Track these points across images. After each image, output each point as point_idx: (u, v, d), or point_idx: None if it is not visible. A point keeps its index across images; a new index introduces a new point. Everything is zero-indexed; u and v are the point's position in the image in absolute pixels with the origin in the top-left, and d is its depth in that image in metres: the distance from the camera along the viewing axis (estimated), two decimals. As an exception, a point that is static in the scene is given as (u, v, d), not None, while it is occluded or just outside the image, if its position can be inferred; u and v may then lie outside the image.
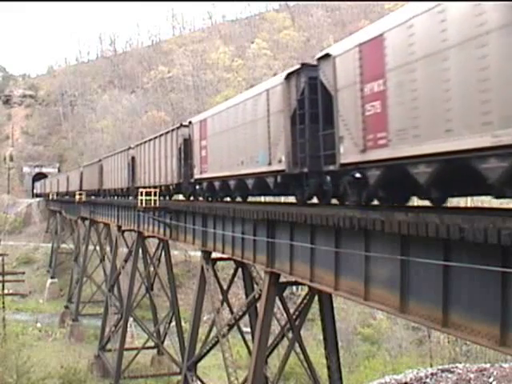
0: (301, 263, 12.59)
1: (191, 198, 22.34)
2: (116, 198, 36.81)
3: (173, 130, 23.33)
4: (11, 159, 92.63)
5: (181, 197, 25.91)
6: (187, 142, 20.94)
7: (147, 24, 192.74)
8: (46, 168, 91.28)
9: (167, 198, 25.69)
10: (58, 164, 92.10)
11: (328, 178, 11.43)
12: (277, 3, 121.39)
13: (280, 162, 12.64)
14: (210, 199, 19.75)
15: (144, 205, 23.69)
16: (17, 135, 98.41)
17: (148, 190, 24.54)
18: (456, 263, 7.78)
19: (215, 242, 18.25)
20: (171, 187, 23.60)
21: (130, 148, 31.78)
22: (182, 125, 22.11)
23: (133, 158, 30.74)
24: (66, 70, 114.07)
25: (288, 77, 12.59)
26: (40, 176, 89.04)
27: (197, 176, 19.73)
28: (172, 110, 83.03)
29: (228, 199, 19.23)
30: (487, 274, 7.23)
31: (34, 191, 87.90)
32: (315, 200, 13.04)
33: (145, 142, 28.64)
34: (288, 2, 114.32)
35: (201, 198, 21.14)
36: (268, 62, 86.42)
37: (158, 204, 23.50)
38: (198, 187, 20.65)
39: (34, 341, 43.02)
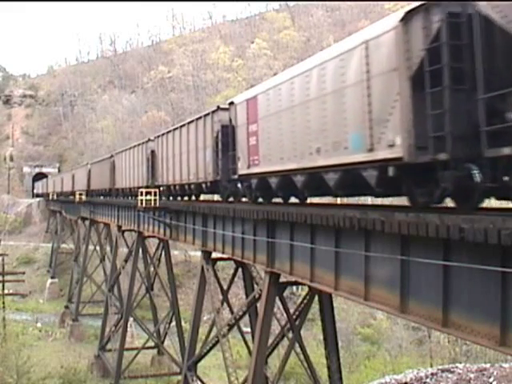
0: (301, 263, 12.59)
1: (230, 199, 18.07)
2: (132, 198, 30.66)
3: (206, 115, 18.86)
4: (11, 159, 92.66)
5: (216, 197, 22.06)
6: (227, 129, 16.65)
7: (147, 24, 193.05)
8: (46, 168, 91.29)
9: (192, 197, 22.83)
10: (58, 164, 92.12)
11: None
12: (277, 3, 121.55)
13: (392, 146, 8.69)
14: (261, 201, 15.57)
15: (144, 205, 23.70)
16: (17, 135, 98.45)
17: (148, 189, 24.55)
18: (456, 263, 7.78)
19: (215, 241, 18.26)
20: (204, 186, 19.24)
21: (149, 140, 27.63)
22: (219, 108, 17.98)
23: (152, 152, 26.62)
24: (66, 69, 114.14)
25: (408, 17, 8.43)
26: (40, 176, 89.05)
27: (242, 171, 15.21)
28: (172, 109, 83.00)
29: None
30: (487, 274, 7.24)
31: (35, 191, 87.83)
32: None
33: (168, 131, 24.14)
34: (288, 2, 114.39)
35: (244, 199, 16.95)
36: (268, 62, 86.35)
37: (158, 204, 23.51)
38: (242, 185, 16.29)
39: (34, 341, 43.05)
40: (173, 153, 22.84)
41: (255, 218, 14.02)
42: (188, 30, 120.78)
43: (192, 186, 20.62)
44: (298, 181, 12.08)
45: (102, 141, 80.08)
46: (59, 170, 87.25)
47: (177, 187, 22.87)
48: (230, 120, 16.35)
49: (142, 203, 23.78)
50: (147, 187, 26.19)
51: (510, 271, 6.98)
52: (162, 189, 24.99)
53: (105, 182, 39.06)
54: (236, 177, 15.85)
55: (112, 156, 37.79)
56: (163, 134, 24.90)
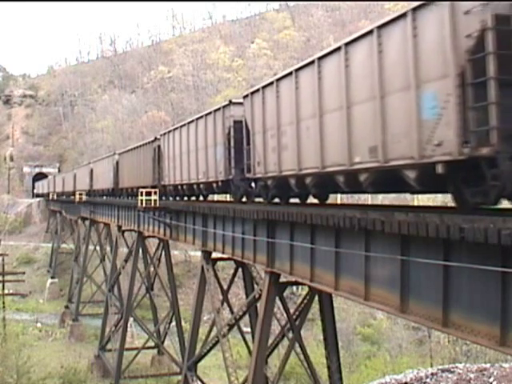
0: (301, 263, 12.59)
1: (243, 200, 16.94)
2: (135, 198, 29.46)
3: (217, 111, 17.69)
4: (11, 159, 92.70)
5: (228, 197, 20.95)
6: (240, 125, 15.81)
7: (147, 24, 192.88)
8: (46, 168, 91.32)
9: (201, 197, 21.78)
10: (58, 164, 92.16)
11: None
12: (277, 3, 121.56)
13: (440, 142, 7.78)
14: (277, 201, 14.52)
15: (144, 205, 23.71)
16: (17, 135, 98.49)
17: (148, 189, 24.54)
18: (456, 263, 7.79)
19: (215, 241, 18.26)
20: (215, 185, 18.16)
21: (155, 139, 26.26)
22: (231, 102, 16.83)
23: (159, 151, 25.29)
24: (66, 69, 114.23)
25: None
26: (40, 176, 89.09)
27: (258, 170, 14.14)
28: (172, 110, 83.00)
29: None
30: (487, 274, 7.24)
31: (35, 191, 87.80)
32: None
33: (175, 128, 22.73)
34: (288, 2, 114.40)
35: (258, 199, 15.94)
36: (268, 62, 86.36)
37: (158, 204, 23.51)
38: (256, 184, 15.10)
39: (34, 341, 43.04)
40: (180, 151, 21.44)
41: (255, 217, 14.02)
42: (188, 30, 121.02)
43: (201, 186, 19.45)
44: (338, 179, 10.73)
45: (102, 141, 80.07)
46: (59, 170, 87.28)
47: (184, 187, 21.53)
48: (246, 112, 15.11)
49: (142, 203, 23.79)
50: (153, 187, 25.29)
51: (510, 271, 6.98)
52: (168, 189, 23.73)
53: (108, 181, 37.53)
54: (251, 175, 14.82)
55: (115, 154, 36.41)
56: (170, 132, 23.38)
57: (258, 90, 14.19)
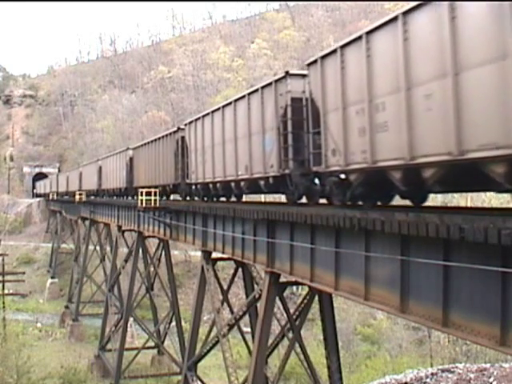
0: (301, 263, 12.59)
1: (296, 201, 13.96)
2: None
3: (266, 87, 14.00)
4: (11, 159, 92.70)
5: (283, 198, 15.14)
6: (300, 104, 12.59)
7: (147, 24, 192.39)
8: (46, 168, 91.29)
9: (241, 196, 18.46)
10: (58, 164, 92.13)
11: None
12: (277, 3, 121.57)
13: None
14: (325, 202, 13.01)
15: (144, 205, 23.71)
16: (17, 135, 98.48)
17: (148, 189, 24.51)
18: (456, 263, 7.79)
19: (215, 241, 18.27)
20: (262, 183, 14.36)
21: (178, 129, 22.90)
22: (288, 74, 12.95)
23: (182, 143, 21.97)
24: (66, 69, 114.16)
25: None
26: (40, 176, 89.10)
27: (334, 161, 10.70)
28: (172, 109, 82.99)
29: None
30: (487, 274, 7.24)
31: (36, 191, 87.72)
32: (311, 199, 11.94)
33: (205, 114, 18.73)
34: (288, 2, 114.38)
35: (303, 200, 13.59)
36: (268, 62, 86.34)
37: (158, 204, 23.51)
38: (324, 181, 11.71)
39: (34, 341, 43.03)
40: (212, 142, 17.68)
41: (255, 217, 14.03)
42: (188, 30, 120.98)
43: (242, 184, 15.72)
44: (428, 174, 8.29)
45: (102, 141, 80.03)
46: (59, 170, 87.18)
47: (218, 186, 17.70)
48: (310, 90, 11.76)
49: (142, 203, 23.80)
50: (174, 186, 22.66)
51: (510, 271, 6.98)
52: (196, 188, 20.39)
53: (120, 180, 33.83)
54: (321, 168, 11.22)
55: (128, 149, 32.62)
56: (198, 119, 19.48)
57: (333, 52, 10.54)
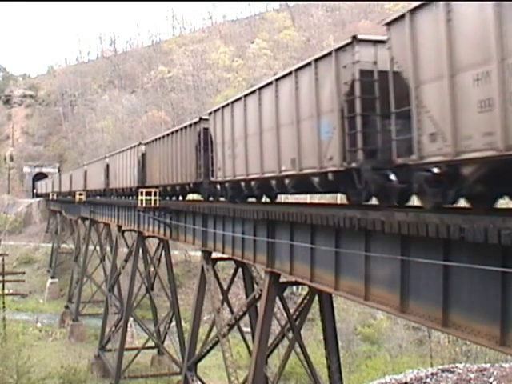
0: (301, 263, 12.59)
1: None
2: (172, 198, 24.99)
3: (320, 59, 11.19)
4: (11, 159, 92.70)
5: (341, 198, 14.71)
6: (370, 76, 10.10)
7: (147, 24, 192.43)
8: (46, 168, 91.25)
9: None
10: (58, 164, 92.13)
11: None
12: (277, 3, 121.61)
13: None
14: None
15: (144, 205, 23.71)
16: (17, 135, 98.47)
17: (148, 189, 24.50)
18: (456, 263, 7.79)
19: (215, 241, 18.26)
20: (317, 180, 11.56)
21: (200, 120, 20.08)
22: (356, 39, 10.21)
23: (205, 135, 19.21)
24: (66, 69, 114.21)
25: None
26: (40, 176, 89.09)
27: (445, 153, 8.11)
28: (172, 109, 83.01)
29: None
30: (487, 274, 7.24)
31: (37, 191, 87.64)
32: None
33: (235, 100, 15.89)
34: (288, 2, 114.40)
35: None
36: (268, 62, 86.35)
37: (158, 204, 23.51)
38: (413, 176, 8.95)
39: (34, 341, 43.00)
40: (244, 132, 15.06)
41: (255, 218, 14.03)
42: (188, 30, 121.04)
43: (287, 182, 12.85)
44: None
45: (102, 141, 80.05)
46: (59, 170, 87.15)
47: (253, 184, 14.99)
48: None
49: (142, 203, 23.79)
50: (195, 185, 20.15)
51: (510, 271, 6.98)
52: (225, 186, 17.43)
53: (130, 179, 30.81)
54: (412, 161, 8.58)
55: (141, 145, 29.52)
56: (225, 106, 16.70)
57: (431, 1, 7.96)
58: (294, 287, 34.95)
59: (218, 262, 20.42)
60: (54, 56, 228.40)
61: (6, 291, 37.88)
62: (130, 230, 32.23)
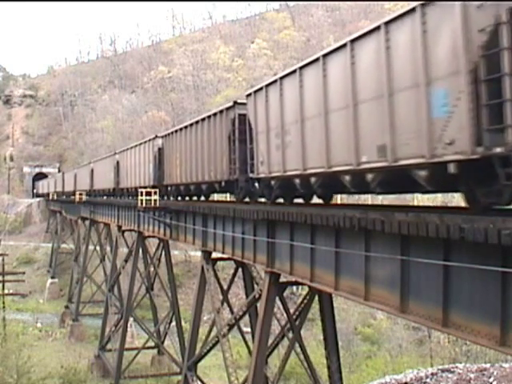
0: (301, 263, 12.59)
1: None
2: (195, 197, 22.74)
3: (426, 4, 8.00)
4: (11, 159, 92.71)
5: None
6: None
7: (147, 24, 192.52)
8: (46, 168, 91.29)
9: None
10: (58, 164, 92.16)
11: None
12: (277, 3, 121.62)
13: None
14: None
15: (144, 205, 23.70)
16: (17, 135, 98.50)
17: (148, 190, 24.46)
18: (456, 263, 7.78)
19: (215, 241, 18.26)
20: (424, 174, 8.48)
21: (235, 104, 16.78)
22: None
23: (241, 123, 16.12)
24: (66, 69, 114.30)
25: None
26: (40, 176, 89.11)
27: None
28: (172, 110, 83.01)
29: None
30: (487, 274, 7.24)
31: (37, 191, 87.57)
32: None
33: (283, 76, 12.77)
34: (288, 2, 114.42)
35: None
36: (268, 62, 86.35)
37: (158, 204, 23.50)
38: None
39: (34, 341, 43.00)
40: (299, 116, 11.76)
41: (255, 218, 14.01)
42: (188, 30, 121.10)
43: (369, 177, 9.68)
44: None
45: (102, 141, 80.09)
46: (59, 170, 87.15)
47: (313, 180, 11.83)
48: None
49: (142, 203, 23.79)
50: (228, 183, 16.92)
51: (510, 271, 6.97)
52: (271, 184, 14.09)
53: (144, 177, 27.77)
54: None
55: (158, 138, 26.43)
56: (271, 84, 13.45)
57: None
58: (294, 287, 34.96)
59: (218, 262, 20.42)
60: (54, 56, 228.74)
61: (6, 291, 37.87)
62: (130, 230, 32.23)
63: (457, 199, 34.66)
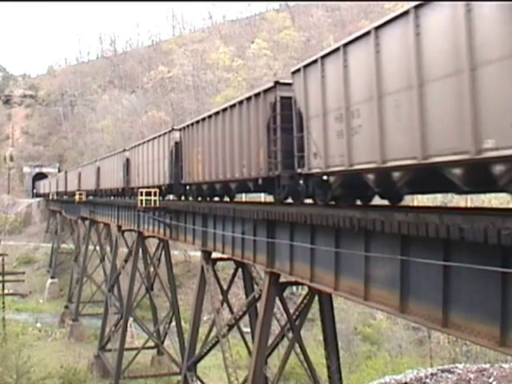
0: (301, 263, 12.58)
1: None
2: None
3: None
4: (11, 159, 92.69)
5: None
6: None
7: (147, 24, 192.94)
8: (46, 168, 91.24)
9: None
10: (58, 164, 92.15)
11: None
12: (277, 3, 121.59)
13: None
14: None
15: (144, 205, 23.68)
16: (17, 135, 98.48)
17: (148, 189, 24.43)
18: (456, 263, 7.78)
19: (215, 242, 18.25)
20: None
21: (276, 84, 13.63)
22: None
23: (285, 107, 13.23)
24: (66, 69, 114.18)
25: None
26: (40, 176, 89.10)
27: None
28: (172, 110, 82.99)
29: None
30: (487, 274, 7.23)
31: (37, 191, 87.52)
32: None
33: (347, 43, 10.09)
34: (288, 2, 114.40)
35: None
36: (268, 62, 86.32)
37: (157, 204, 23.48)
38: None
39: (34, 341, 43.00)
40: (375, 92, 9.12)
41: (255, 218, 14.01)
42: (188, 30, 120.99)
43: (497, 169, 7.00)
44: None
45: (101, 141, 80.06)
46: (59, 170, 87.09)
47: (396, 176, 9.08)
48: None
49: (141, 203, 23.77)
50: (266, 180, 13.94)
51: (510, 271, 6.97)
52: (330, 180, 11.46)
53: (159, 175, 24.97)
54: None
55: (174, 131, 23.48)
56: (326, 56, 10.87)
57: None
58: (294, 287, 34.93)
59: (218, 262, 20.40)
60: (54, 56, 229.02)
61: (5, 291, 37.85)
62: (130, 230, 32.22)
63: (457, 199, 34.48)
